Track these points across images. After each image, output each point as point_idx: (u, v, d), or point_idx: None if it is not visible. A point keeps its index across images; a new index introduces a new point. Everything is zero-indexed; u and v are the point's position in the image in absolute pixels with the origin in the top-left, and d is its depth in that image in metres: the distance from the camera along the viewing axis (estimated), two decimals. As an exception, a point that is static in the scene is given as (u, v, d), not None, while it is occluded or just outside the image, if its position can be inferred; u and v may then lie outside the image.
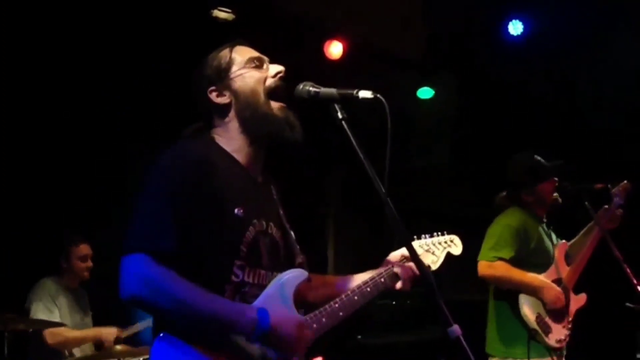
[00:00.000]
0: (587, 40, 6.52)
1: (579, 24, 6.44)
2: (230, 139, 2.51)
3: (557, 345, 4.32)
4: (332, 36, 6.77)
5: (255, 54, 2.57)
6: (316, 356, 2.52)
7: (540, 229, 4.56)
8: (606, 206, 4.59)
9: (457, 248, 3.09)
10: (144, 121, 5.96)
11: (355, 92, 2.38)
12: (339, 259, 8.03)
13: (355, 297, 2.61)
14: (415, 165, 7.95)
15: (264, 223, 2.47)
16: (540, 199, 4.55)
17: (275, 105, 2.51)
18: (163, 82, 5.79)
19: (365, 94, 2.37)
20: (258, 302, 2.36)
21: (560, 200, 4.57)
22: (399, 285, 2.76)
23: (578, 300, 4.52)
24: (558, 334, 4.34)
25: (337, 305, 2.55)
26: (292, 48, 6.03)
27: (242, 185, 2.44)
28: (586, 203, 4.51)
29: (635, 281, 4.31)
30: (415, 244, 2.97)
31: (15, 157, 5.70)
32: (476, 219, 4.74)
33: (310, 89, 2.44)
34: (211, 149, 2.46)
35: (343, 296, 2.59)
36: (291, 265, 2.55)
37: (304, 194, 7.35)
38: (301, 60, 5.92)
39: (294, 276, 2.46)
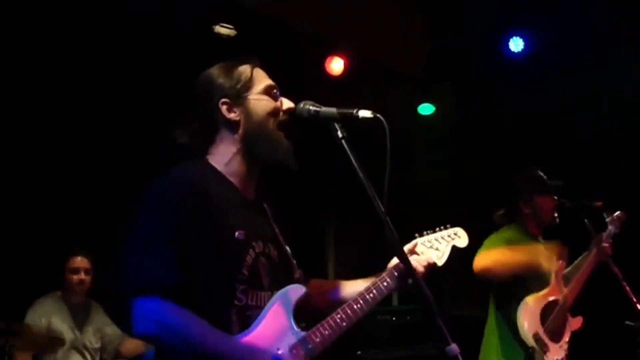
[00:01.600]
0: (587, 57, 6.54)
1: (580, 41, 6.46)
2: (227, 159, 2.51)
3: None
4: (333, 52, 6.80)
5: (272, 82, 2.57)
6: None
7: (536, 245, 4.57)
8: (603, 233, 4.61)
9: (462, 240, 3.01)
10: (147, 136, 5.96)
11: (355, 111, 2.39)
12: (339, 273, 8.03)
13: (358, 306, 2.57)
14: (416, 181, 7.95)
15: (261, 244, 2.47)
16: (538, 213, 4.55)
17: (282, 134, 2.52)
18: (165, 97, 5.81)
19: (365, 113, 2.38)
20: (258, 321, 2.37)
21: (557, 220, 4.58)
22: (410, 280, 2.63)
23: (574, 323, 4.51)
24: (555, 353, 4.32)
25: (339, 316, 2.52)
26: (293, 64, 6.05)
27: (238, 208, 2.44)
28: (585, 221, 4.53)
29: (634, 299, 4.31)
30: (418, 241, 2.93)
31: (19, 169, 5.72)
32: (476, 234, 4.74)
33: (311, 108, 2.45)
34: (205, 173, 2.46)
35: (345, 306, 2.56)
36: (290, 281, 2.54)
37: (303, 209, 7.36)
38: (302, 76, 5.98)
39: (292, 292, 2.46)
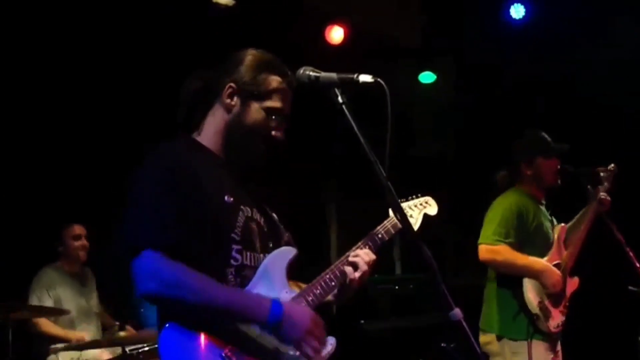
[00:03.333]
0: (589, 24, 6.50)
1: (581, 7, 6.42)
2: (212, 133, 2.57)
3: (555, 330, 4.33)
4: (333, 21, 6.76)
5: (285, 108, 2.57)
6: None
7: (539, 210, 4.56)
8: (600, 187, 4.55)
9: (432, 208, 3.12)
10: (144, 111, 5.94)
11: (355, 76, 2.38)
12: (341, 247, 8.04)
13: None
14: (416, 151, 7.94)
15: (249, 210, 2.53)
16: (539, 175, 4.55)
17: (262, 147, 2.56)
18: (165, 70, 5.77)
19: (365, 78, 2.37)
20: (254, 281, 2.44)
21: (559, 182, 4.57)
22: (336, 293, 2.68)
23: (572, 284, 4.52)
24: (557, 318, 4.35)
25: (328, 276, 2.60)
26: (293, 33, 6.01)
27: (225, 176, 2.51)
28: (588, 187, 4.51)
29: (637, 264, 4.32)
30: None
31: (16, 148, 5.72)
32: (475, 205, 4.73)
33: (311, 73, 2.43)
34: (192, 146, 2.53)
35: (334, 267, 2.64)
36: (279, 245, 2.61)
37: (304, 183, 7.36)
38: (302, 45, 5.94)
39: (283, 254, 2.55)
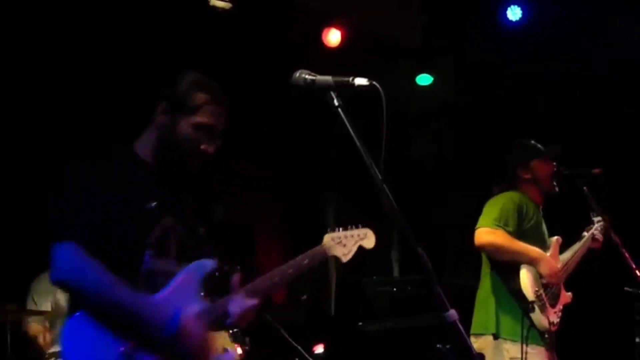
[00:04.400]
0: (588, 23, 6.51)
1: (578, 9, 6.43)
2: (148, 145, 2.73)
3: (551, 327, 4.31)
4: (330, 24, 6.76)
5: (213, 123, 2.70)
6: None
7: (538, 213, 4.57)
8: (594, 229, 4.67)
9: (369, 241, 3.15)
10: (138, 111, 5.91)
11: (350, 79, 2.37)
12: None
13: (269, 281, 2.81)
14: (415, 151, 7.94)
15: (172, 219, 2.66)
16: (537, 178, 4.56)
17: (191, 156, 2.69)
18: (165, 73, 5.75)
19: (360, 81, 2.36)
20: (166, 288, 2.56)
21: (557, 189, 4.59)
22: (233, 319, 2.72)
23: (566, 297, 4.52)
24: (552, 316, 4.33)
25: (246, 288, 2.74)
26: (290, 36, 6.01)
27: (154, 186, 2.66)
28: (584, 188, 4.52)
29: (633, 265, 4.32)
30: (327, 237, 3.10)
31: (13, 152, 5.72)
32: (475, 206, 4.74)
33: (306, 77, 2.43)
34: (126, 157, 2.70)
35: (256, 281, 2.78)
36: (198, 258, 2.71)
37: (304, 187, 7.36)
38: (299, 48, 5.94)
39: (199, 265, 2.66)
